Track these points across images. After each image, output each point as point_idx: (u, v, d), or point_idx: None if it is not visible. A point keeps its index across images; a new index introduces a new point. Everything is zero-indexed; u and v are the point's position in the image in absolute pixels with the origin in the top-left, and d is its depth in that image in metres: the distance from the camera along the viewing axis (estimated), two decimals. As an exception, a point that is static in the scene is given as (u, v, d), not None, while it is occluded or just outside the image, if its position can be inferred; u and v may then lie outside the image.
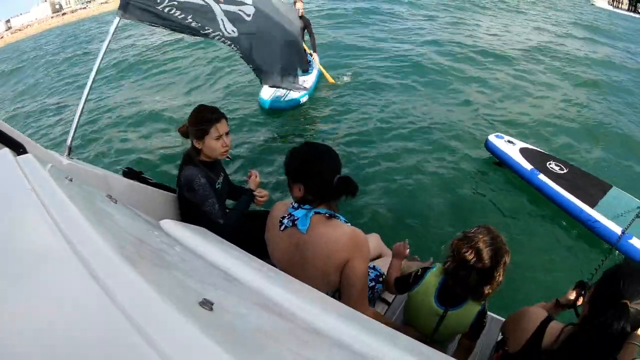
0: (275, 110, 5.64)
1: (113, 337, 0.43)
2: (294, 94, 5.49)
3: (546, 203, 3.74)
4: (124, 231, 0.85)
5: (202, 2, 1.93)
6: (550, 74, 7.42)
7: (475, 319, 1.40)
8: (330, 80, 6.17)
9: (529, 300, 2.49)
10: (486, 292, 1.33)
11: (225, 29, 2.00)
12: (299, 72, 2.46)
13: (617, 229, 3.18)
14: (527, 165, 3.90)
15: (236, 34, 2.03)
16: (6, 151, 1.01)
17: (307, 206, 1.29)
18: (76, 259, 0.55)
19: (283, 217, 1.32)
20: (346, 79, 6.62)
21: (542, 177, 3.75)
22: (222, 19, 2.00)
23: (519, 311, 1.34)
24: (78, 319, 0.45)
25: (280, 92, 5.55)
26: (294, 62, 2.36)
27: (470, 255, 1.28)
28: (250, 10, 2.10)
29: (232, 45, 2.06)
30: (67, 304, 0.48)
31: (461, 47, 8.47)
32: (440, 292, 1.42)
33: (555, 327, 1.19)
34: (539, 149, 4.22)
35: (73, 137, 1.77)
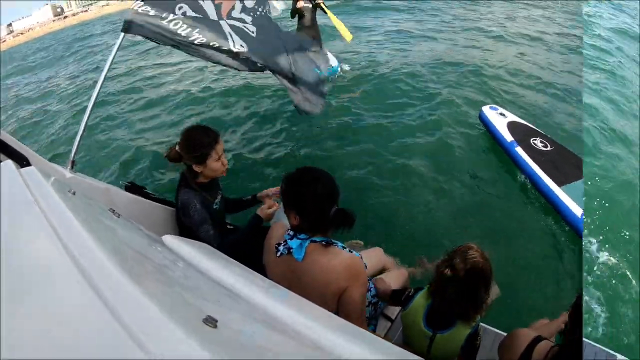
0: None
1: (115, 353, 0.42)
2: (331, 63, 5.25)
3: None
4: (126, 246, 0.83)
5: (209, 17, 1.96)
6: (556, 59, 7.31)
7: (466, 342, 1.37)
8: (347, 35, 5.23)
9: (531, 312, 2.41)
10: (472, 311, 1.33)
11: (234, 43, 2.00)
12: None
13: (579, 211, 3.10)
14: (509, 137, 3.87)
15: (245, 49, 2.03)
16: (9, 163, 1.00)
17: (302, 235, 1.25)
18: (78, 272, 0.55)
19: (279, 244, 1.30)
20: (346, 67, 6.15)
21: (518, 149, 3.72)
22: (229, 32, 2.01)
23: (510, 333, 1.37)
24: (79, 332, 0.44)
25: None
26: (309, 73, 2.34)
27: (446, 270, 1.30)
28: (253, 28, 2.13)
29: (240, 58, 2.04)
30: (68, 317, 0.47)
31: (463, 34, 8.42)
32: (428, 315, 1.41)
33: (543, 346, 1.22)
34: (529, 124, 4.14)
35: (76, 150, 1.77)
